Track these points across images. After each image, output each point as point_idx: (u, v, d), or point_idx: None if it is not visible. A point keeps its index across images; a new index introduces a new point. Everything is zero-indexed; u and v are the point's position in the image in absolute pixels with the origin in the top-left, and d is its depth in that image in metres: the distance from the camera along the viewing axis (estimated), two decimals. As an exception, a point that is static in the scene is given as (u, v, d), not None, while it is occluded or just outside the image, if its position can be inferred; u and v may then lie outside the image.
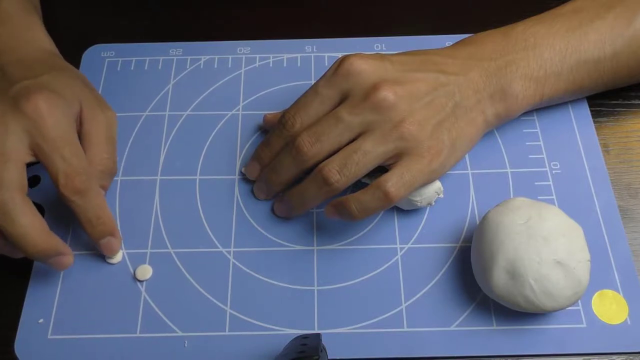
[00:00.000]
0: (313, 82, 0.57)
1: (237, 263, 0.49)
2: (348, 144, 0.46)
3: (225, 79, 0.58)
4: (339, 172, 0.45)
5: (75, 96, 0.48)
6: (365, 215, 0.46)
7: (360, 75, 0.47)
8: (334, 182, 0.46)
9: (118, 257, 0.49)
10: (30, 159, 0.45)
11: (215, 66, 0.59)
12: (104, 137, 0.49)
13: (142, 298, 0.47)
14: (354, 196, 0.45)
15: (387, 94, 0.45)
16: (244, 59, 0.60)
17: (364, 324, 0.46)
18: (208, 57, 0.60)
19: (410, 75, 0.47)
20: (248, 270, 0.49)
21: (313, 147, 0.46)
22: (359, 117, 0.46)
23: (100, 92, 0.56)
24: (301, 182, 0.48)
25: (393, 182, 0.44)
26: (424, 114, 0.46)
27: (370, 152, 0.45)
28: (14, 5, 0.53)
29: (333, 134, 0.46)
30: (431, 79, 0.47)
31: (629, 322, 0.46)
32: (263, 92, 0.58)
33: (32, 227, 0.43)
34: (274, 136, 0.50)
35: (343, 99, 0.47)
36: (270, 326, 0.46)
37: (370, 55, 0.48)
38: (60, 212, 0.51)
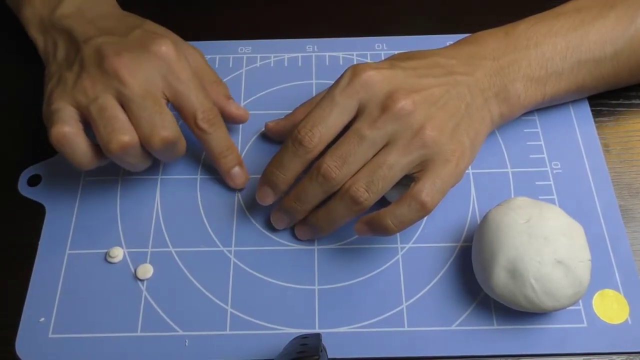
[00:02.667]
0: (314, 81, 0.58)
1: (237, 262, 0.49)
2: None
3: (227, 78, 0.58)
4: (366, 190, 0.44)
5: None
6: (402, 229, 0.44)
7: (376, 85, 0.45)
8: (363, 201, 0.44)
9: (119, 257, 0.49)
10: (166, 101, 0.47)
11: (217, 66, 0.59)
12: (211, 71, 0.54)
13: (143, 297, 0.48)
14: (389, 210, 0.44)
15: (405, 103, 0.44)
16: (245, 58, 0.60)
17: (364, 323, 0.46)
18: (209, 56, 0.60)
19: (423, 81, 0.46)
20: (249, 270, 0.49)
21: (341, 171, 0.44)
22: (381, 130, 0.44)
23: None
24: (326, 204, 0.47)
25: (427, 191, 0.44)
26: (442, 118, 0.45)
27: (395, 165, 0.44)
28: None
29: (358, 153, 0.44)
30: (443, 82, 0.47)
31: (629, 322, 0.46)
32: (264, 92, 0.58)
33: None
34: (288, 155, 0.46)
35: (360, 110, 0.45)
36: (271, 325, 0.46)
37: (381, 64, 0.47)
38: (60, 211, 0.51)
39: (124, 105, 0.45)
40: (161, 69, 0.47)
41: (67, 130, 0.44)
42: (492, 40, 0.50)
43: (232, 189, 0.52)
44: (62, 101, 0.45)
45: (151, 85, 0.46)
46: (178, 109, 0.48)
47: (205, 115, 0.48)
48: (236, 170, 0.51)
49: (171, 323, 0.46)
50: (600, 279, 0.47)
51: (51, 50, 0.49)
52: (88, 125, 0.46)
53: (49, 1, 0.51)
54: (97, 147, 0.46)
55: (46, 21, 0.50)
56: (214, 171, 0.53)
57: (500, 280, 0.43)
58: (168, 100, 0.48)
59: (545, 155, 0.53)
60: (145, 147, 0.46)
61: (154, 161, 0.49)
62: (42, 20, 0.50)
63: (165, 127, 0.46)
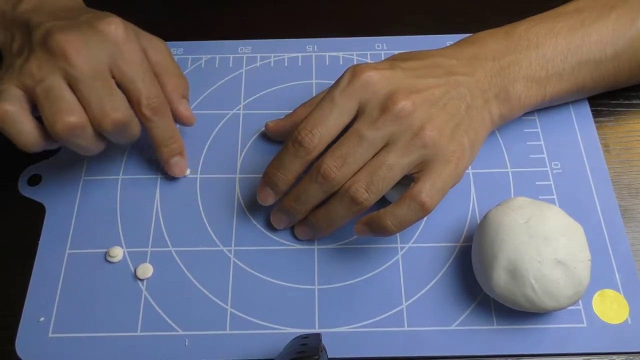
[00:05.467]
0: (314, 81, 0.58)
1: (237, 262, 0.49)
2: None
3: (227, 78, 0.58)
4: (366, 190, 0.44)
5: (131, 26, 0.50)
6: (402, 229, 0.44)
7: (376, 86, 0.45)
8: (363, 201, 0.44)
9: (119, 256, 0.49)
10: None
11: (217, 65, 0.59)
12: (172, 65, 0.52)
13: (143, 297, 0.48)
14: (388, 211, 0.44)
15: (405, 104, 0.44)
16: (245, 58, 0.60)
17: (364, 323, 0.46)
18: (209, 56, 0.60)
19: (423, 82, 0.46)
20: (249, 269, 0.49)
21: (340, 172, 0.44)
22: (381, 131, 0.44)
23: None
24: (326, 204, 0.47)
25: (427, 192, 0.44)
26: (442, 118, 0.45)
27: (395, 165, 0.44)
28: None
29: (358, 154, 0.44)
30: (443, 82, 0.47)
31: (629, 322, 0.46)
32: (264, 92, 0.58)
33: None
34: (288, 156, 0.46)
35: (360, 111, 0.45)
36: (271, 325, 0.46)
37: (381, 64, 0.47)
38: (60, 211, 0.51)
39: (73, 86, 0.44)
40: (109, 47, 0.46)
41: (9, 108, 0.43)
42: (493, 41, 0.50)
43: (232, 188, 0.52)
44: (7, 84, 0.44)
45: (99, 64, 0.45)
46: (124, 91, 0.47)
47: (149, 102, 0.47)
48: (175, 159, 0.52)
49: (171, 323, 0.46)
50: (600, 279, 0.47)
51: (9, 43, 0.48)
52: (36, 108, 0.45)
53: None
54: (45, 128, 0.44)
55: (7, 17, 0.49)
56: (214, 171, 0.53)
57: (500, 280, 0.43)
58: (116, 81, 0.46)
59: (545, 155, 0.53)
60: (96, 129, 0.45)
61: (108, 144, 0.48)
62: (4, 15, 0.49)
63: (116, 109, 0.45)
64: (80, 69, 0.44)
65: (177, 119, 0.52)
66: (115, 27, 0.46)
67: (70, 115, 0.43)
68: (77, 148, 0.46)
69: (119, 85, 0.46)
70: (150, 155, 0.54)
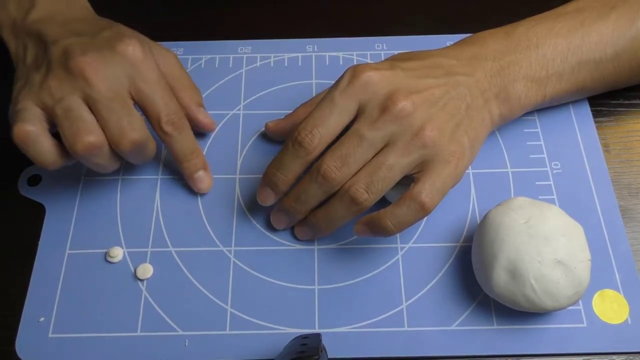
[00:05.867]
0: (314, 81, 0.58)
1: (237, 262, 0.49)
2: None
3: (227, 78, 0.58)
4: (366, 191, 0.44)
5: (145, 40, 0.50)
6: (401, 230, 0.44)
7: (376, 86, 0.45)
8: (363, 202, 0.44)
9: (119, 256, 0.49)
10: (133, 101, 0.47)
11: (217, 66, 0.59)
12: (185, 76, 0.53)
13: (143, 297, 0.48)
14: (388, 211, 0.44)
15: (405, 104, 0.44)
16: (245, 58, 0.60)
17: (364, 323, 0.46)
18: (209, 56, 0.60)
19: (423, 82, 0.46)
20: (249, 269, 0.49)
21: (340, 172, 0.44)
22: (381, 131, 0.44)
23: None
24: (326, 204, 0.47)
25: (427, 192, 0.44)
26: (442, 118, 0.45)
27: (394, 165, 0.44)
28: None
29: (358, 154, 0.44)
30: (443, 82, 0.47)
31: (629, 322, 0.46)
32: (264, 92, 0.58)
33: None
34: (288, 156, 0.46)
35: (360, 111, 0.45)
36: (271, 325, 0.46)
37: (381, 64, 0.47)
38: (60, 211, 0.51)
39: (91, 106, 0.45)
40: (127, 69, 0.46)
41: (30, 129, 0.44)
42: (493, 41, 0.50)
43: (232, 189, 0.52)
44: (27, 101, 0.45)
45: (118, 85, 0.46)
46: (143, 110, 0.48)
47: (169, 118, 0.48)
48: (200, 174, 0.51)
49: (171, 323, 0.46)
50: (600, 279, 0.47)
51: (21, 53, 0.49)
52: (55, 127, 0.45)
53: (22, 5, 0.51)
54: (63, 146, 0.45)
55: (19, 25, 0.49)
56: (214, 171, 0.53)
57: (500, 280, 0.43)
58: (135, 101, 0.47)
59: (545, 155, 0.53)
60: (114, 149, 0.46)
61: (122, 163, 0.48)
62: (15, 23, 0.50)
63: (134, 129, 0.45)
64: (99, 90, 0.45)
65: (198, 126, 0.53)
66: (132, 48, 0.46)
67: (89, 135, 0.44)
68: (93, 166, 0.46)
69: (139, 104, 0.47)
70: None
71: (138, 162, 0.49)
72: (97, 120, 0.45)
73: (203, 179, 0.52)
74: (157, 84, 0.47)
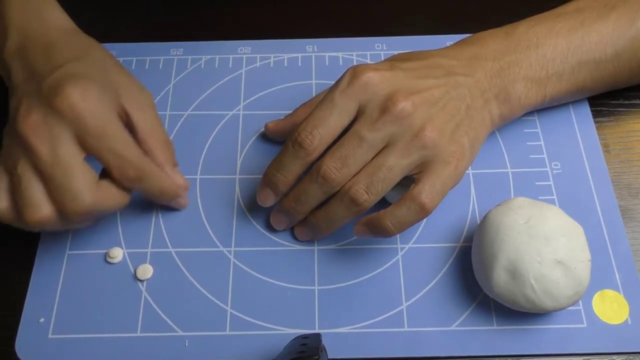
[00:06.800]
0: (314, 81, 0.58)
1: (237, 262, 0.49)
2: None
3: (226, 78, 0.58)
4: (366, 192, 0.44)
5: (108, 81, 0.46)
6: (401, 230, 0.44)
7: (377, 86, 0.45)
8: (363, 202, 0.44)
9: (119, 257, 0.49)
10: (85, 155, 0.43)
11: (216, 66, 0.59)
12: (158, 128, 0.48)
13: (143, 297, 0.48)
14: (388, 212, 0.44)
15: (405, 104, 0.44)
16: (244, 58, 0.60)
17: (364, 323, 0.46)
18: (209, 56, 0.60)
19: (423, 82, 0.46)
20: (249, 270, 0.49)
21: (340, 173, 0.44)
22: (381, 132, 0.44)
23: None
24: (326, 205, 0.47)
25: (427, 193, 0.44)
26: (442, 119, 0.45)
27: (394, 166, 0.44)
28: None
29: (358, 155, 0.44)
30: (443, 83, 0.47)
31: (629, 322, 0.46)
32: (264, 92, 0.58)
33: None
34: (288, 157, 0.45)
35: (360, 111, 0.45)
36: (271, 326, 0.46)
37: (381, 65, 0.47)
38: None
39: (39, 172, 0.42)
40: (70, 124, 0.42)
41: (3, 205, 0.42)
42: (493, 41, 0.50)
43: (232, 189, 0.52)
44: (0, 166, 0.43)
45: (61, 146, 0.42)
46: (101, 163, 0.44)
47: (122, 174, 0.44)
48: (174, 202, 0.50)
49: (171, 323, 0.46)
50: (600, 279, 0.47)
51: (6, 79, 0.47)
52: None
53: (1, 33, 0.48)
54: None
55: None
56: (213, 171, 0.53)
57: (500, 280, 0.43)
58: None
59: (545, 156, 0.53)
60: (64, 218, 0.43)
61: (103, 216, 0.46)
62: None
63: (76, 198, 0.42)
64: (39, 155, 0.41)
65: (173, 187, 0.49)
66: (69, 105, 0.42)
67: (33, 211, 0.42)
68: (69, 228, 0.45)
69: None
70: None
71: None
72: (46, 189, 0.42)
73: (179, 203, 0.50)
74: (103, 136, 0.43)
